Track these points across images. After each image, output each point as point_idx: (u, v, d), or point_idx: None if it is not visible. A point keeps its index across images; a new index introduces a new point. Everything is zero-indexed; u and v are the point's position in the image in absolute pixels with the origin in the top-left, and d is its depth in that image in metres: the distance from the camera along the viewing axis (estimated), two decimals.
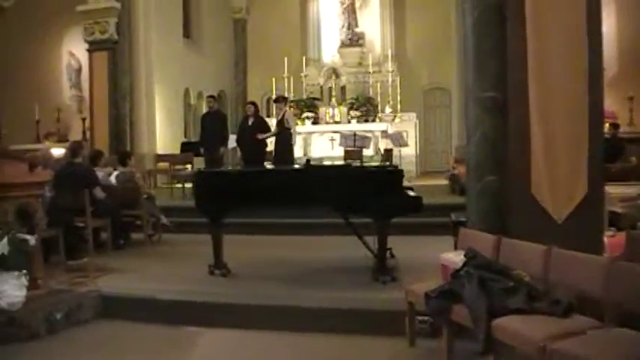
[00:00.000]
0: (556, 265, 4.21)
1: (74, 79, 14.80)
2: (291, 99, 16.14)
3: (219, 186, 6.43)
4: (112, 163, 9.50)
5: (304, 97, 16.43)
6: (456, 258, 4.78)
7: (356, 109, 15.77)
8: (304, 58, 16.82)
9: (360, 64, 16.94)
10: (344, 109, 15.88)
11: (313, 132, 15.49)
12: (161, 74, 14.45)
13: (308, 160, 6.54)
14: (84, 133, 14.34)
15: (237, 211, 6.59)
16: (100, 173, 8.59)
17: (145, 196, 8.73)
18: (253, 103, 11.08)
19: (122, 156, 8.95)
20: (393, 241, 6.72)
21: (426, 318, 4.92)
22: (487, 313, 4.04)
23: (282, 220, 8.80)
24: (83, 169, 8.01)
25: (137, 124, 13.84)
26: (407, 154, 14.89)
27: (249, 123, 10.85)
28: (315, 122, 15.85)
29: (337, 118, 15.78)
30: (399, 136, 11.73)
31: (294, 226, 8.71)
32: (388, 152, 10.92)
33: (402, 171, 6.10)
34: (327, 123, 15.70)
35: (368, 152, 12.80)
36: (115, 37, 13.40)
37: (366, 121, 15.58)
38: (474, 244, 4.93)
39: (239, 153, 11.12)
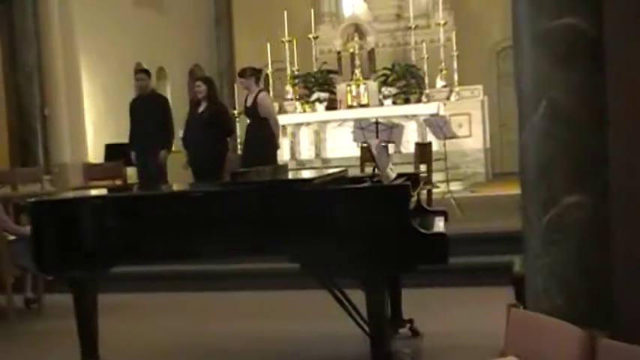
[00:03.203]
0: None
1: None
2: (296, 73, 15.16)
3: (76, 226, 4.85)
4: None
5: (314, 69, 15.27)
6: None
7: (391, 85, 14.47)
8: (313, 11, 15.20)
9: (398, 16, 15.81)
10: (373, 84, 14.54)
11: (328, 121, 14.33)
12: (93, 42, 13.14)
13: (234, 174, 4.79)
14: None
15: (113, 266, 5.01)
16: None
17: (9, 237, 7.14)
18: (205, 80, 9.70)
19: None
20: (418, 300, 5.97)
21: None
22: None
23: (214, 267, 7.58)
24: None
25: (54, 120, 12.42)
26: (471, 149, 13.62)
27: (200, 111, 9.45)
28: (332, 106, 14.71)
29: (364, 99, 14.45)
30: (440, 122, 9.97)
31: (235, 276, 7.60)
32: (423, 148, 9.12)
33: (404, 188, 4.39)
34: (349, 107, 14.48)
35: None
36: None
37: (407, 101, 14.41)
38: (534, 342, 3.18)
39: (186, 157, 9.77)
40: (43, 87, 12.35)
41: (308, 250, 4.34)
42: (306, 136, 14.23)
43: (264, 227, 4.39)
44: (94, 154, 13.02)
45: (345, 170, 5.78)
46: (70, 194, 5.56)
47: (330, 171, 5.84)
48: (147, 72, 10.16)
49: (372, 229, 4.24)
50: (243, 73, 9.66)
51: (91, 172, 11.11)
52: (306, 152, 14.23)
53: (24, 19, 12.15)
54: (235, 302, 7.33)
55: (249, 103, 9.47)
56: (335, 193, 4.41)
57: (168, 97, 14.44)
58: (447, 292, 6.82)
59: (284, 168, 6.15)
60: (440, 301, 6.60)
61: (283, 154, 14.21)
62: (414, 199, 5.53)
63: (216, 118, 9.38)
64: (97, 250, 4.78)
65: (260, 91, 9.49)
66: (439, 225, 5.02)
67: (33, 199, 4.92)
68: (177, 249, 4.79)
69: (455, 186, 12.29)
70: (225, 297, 7.48)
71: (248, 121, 9.69)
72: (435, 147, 11.45)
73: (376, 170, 4.87)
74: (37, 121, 12.24)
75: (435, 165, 10.69)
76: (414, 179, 5.44)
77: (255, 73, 9.60)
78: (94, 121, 13.20)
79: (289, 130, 14.28)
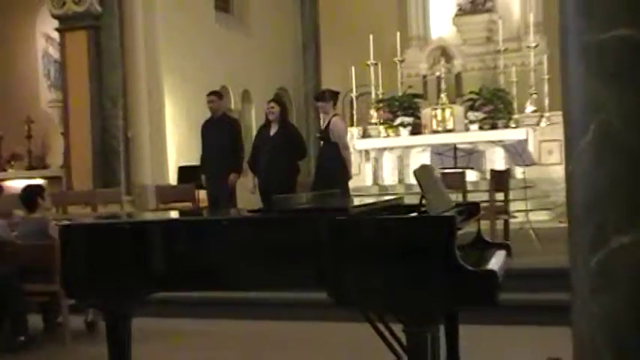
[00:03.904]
0: None
1: (54, 75, 13.59)
2: (381, 97, 14.75)
3: (109, 253, 4.61)
4: None
5: (399, 93, 14.78)
6: None
7: (478, 109, 13.85)
8: (399, 35, 14.81)
9: (488, 39, 15.39)
10: (459, 109, 14.01)
11: (412, 146, 13.90)
12: (177, 66, 13.15)
13: (269, 201, 4.44)
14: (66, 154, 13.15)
15: (149, 294, 4.74)
16: None
17: None
18: (278, 102, 9.47)
19: (28, 195, 7.20)
20: (479, 338, 5.56)
21: None
22: None
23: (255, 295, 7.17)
24: None
25: (136, 142, 12.44)
26: (562, 177, 12.72)
27: (271, 133, 9.17)
28: (416, 131, 14.19)
29: (449, 124, 13.92)
30: (519, 148, 9.39)
31: (278, 305, 7.17)
32: (499, 175, 8.51)
33: (448, 220, 3.93)
34: (433, 132, 13.95)
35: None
36: (97, 8, 12.14)
37: (494, 126, 13.79)
38: None
39: (254, 180, 9.47)
40: (127, 109, 12.36)
41: (343, 283, 3.96)
42: (389, 161, 13.80)
43: (294, 258, 4.04)
44: (176, 176, 12.94)
45: (401, 197, 5.36)
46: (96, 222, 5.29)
47: (383, 198, 5.43)
48: (218, 94, 9.94)
49: (411, 264, 3.80)
50: (322, 97, 9.31)
51: (163, 195, 10.92)
52: (389, 178, 13.79)
53: (110, 43, 12.23)
54: (284, 332, 7.02)
55: (323, 126, 9.18)
56: (369, 223, 3.97)
57: (253, 120, 14.37)
58: (510, 331, 6.26)
59: (332, 194, 5.73)
60: (499, 340, 6.09)
61: (365, 180, 13.90)
62: (474, 229, 5.10)
63: (290, 140, 9.14)
64: (127, 278, 4.52)
65: (334, 115, 9.12)
66: (496, 260, 4.54)
67: (63, 223, 4.66)
68: (199, 277, 4.50)
69: (541, 216, 11.67)
70: (275, 326, 7.17)
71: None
72: (521, 175, 10.93)
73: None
74: (120, 143, 12.24)
75: (518, 193, 10.15)
76: (472, 209, 4.99)
77: (334, 97, 9.24)
78: (177, 144, 13.12)
79: (372, 154, 13.93)
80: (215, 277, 4.42)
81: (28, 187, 7.40)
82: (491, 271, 3.97)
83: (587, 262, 2.96)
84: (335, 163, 8.89)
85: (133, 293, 4.63)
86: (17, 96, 14.01)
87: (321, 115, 10.38)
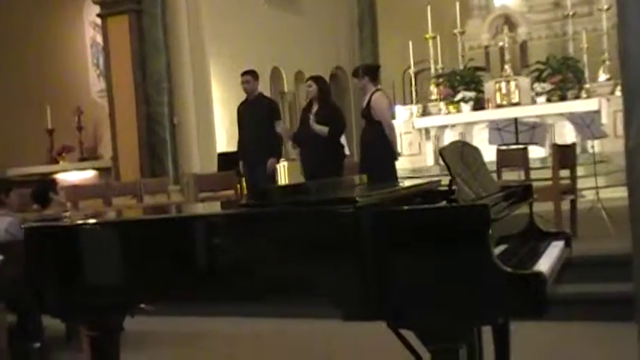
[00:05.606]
0: None
1: (103, 64, 13.18)
2: (441, 72, 13.97)
3: (76, 258, 3.86)
4: None
5: (460, 67, 13.96)
6: None
7: (545, 81, 12.96)
8: (458, 4, 13.96)
9: (555, 4, 14.29)
10: (525, 80, 13.14)
11: (475, 122, 13.08)
12: (225, 49, 12.51)
13: (260, 193, 3.64)
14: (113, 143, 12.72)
15: (132, 307, 4.01)
16: (6, 219, 6.43)
17: None
18: (316, 80, 8.67)
19: (39, 191, 6.63)
20: (532, 340, 4.77)
21: None
22: None
23: None
24: None
25: (183, 129, 11.96)
26: None
27: (311, 113, 8.49)
28: (479, 106, 13.38)
29: (514, 98, 13.09)
30: (587, 120, 8.41)
31: None
32: (564, 150, 7.52)
33: (479, 209, 3.04)
34: (498, 106, 13.09)
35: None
36: None
37: (564, 98, 12.88)
38: None
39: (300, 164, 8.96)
40: (172, 95, 11.88)
41: (347, 291, 3.12)
42: (451, 139, 12.90)
43: (290, 261, 3.23)
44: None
45: (435, 182, 4.49)
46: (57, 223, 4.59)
47: (412, 183, 4.57)
48: (253, 73, 9.18)
49: (430, 266, 2.96)
50: (355, 73, 8.66)
51: (204, 184, 10.28)
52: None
53: (153, 29, 11.81)
54: (275, 337, 6.39)
55: (364, 104, 8.40)
56: (381, 216, 3.11)
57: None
58: (573, 327, 5.45)
59: (346, 181, 4.93)
60: (558, 339, 5.29)
61: (427, 160, 13.07)
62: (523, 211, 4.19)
63: (329, 119, 8.43)
64: (109, 289, 3.80)
65: (376, 90, 8.36)
66: (548, 255, 3.63)
67: (26, 225, 3.95)
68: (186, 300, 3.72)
69: (618, 193, 10.61)
70: (265, 328, 6.50)
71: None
72: (597, 148, 9.95)
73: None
74: (167, 131, 11.79)
75: (590, 169, 9.17)
76: (522, 191, 4.10)
77: (370, 72, 8.50)
78: (227, 130, 12.51)
79: (433, 133, 13.17)
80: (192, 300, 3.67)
81: (39, 182, 6.88)
82: (538, 274, 3.07)
83: None
84: (379, 144, 8.22)
85: (121, 305, 3.92)
86: (67, 87, 13.77)
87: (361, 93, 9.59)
